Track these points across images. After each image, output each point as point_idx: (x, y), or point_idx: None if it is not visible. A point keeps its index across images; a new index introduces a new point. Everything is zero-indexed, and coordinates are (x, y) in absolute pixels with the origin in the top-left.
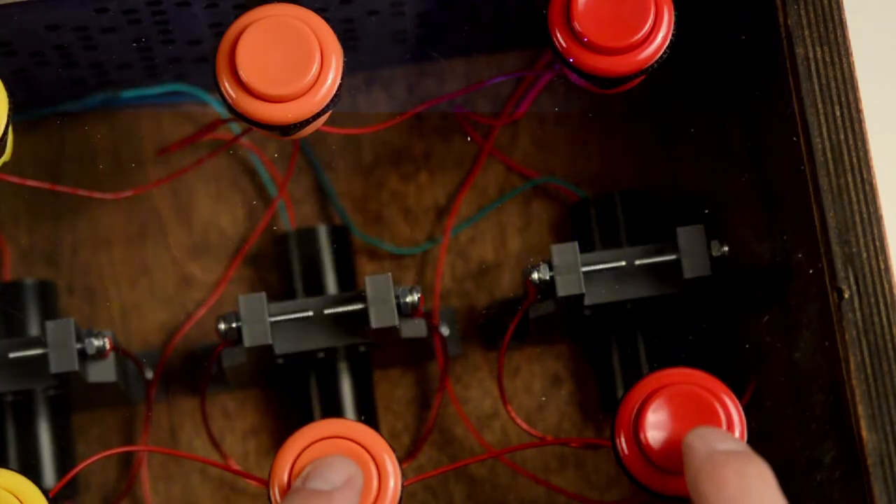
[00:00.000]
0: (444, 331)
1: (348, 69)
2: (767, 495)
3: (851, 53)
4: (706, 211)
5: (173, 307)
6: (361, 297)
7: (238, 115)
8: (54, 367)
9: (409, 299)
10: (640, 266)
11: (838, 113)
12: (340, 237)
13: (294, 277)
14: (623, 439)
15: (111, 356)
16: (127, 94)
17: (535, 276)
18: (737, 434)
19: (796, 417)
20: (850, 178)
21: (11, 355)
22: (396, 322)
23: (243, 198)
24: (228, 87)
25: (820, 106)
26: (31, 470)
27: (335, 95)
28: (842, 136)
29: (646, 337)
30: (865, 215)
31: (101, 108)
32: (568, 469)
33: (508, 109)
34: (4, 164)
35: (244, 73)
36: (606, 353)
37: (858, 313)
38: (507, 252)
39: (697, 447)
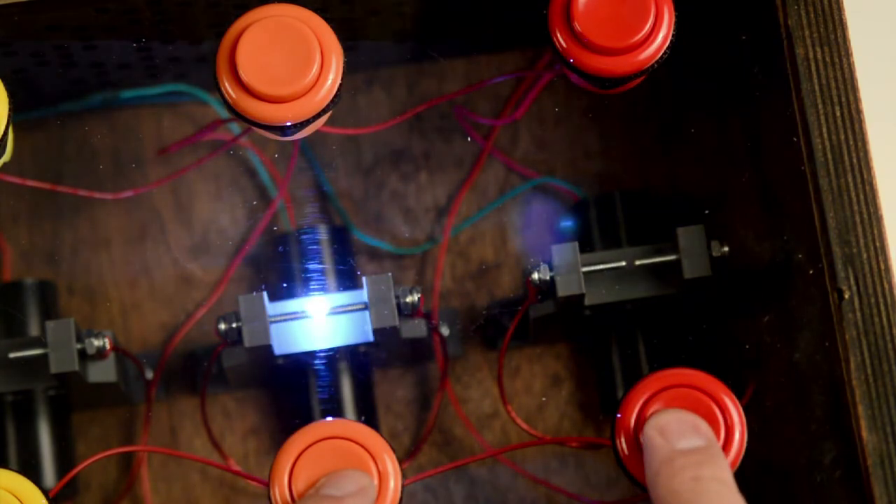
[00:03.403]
0: (444, 331)
1: (348, 69)
2: (723, 499)
3: (851, 53)
4: (706, 211)
5: (173, 307)
6: (361, 298)
7: (238, 115)
8: (54, 367)
9: (409, 299)
10: (640, 266)
11: (838, 113)
12: (340, 237)
13: (294, 277)
14: (623, 439)
15: (111, 356)
16: (127, 94)
17: (535, 276)
18: (737, 435)
19: (796, 417)
20: (850, 179)
21: (11, 355)
22: (396, 322)
23: (243, 198)
24: (228, 87)
25: (820, 106)
26: (31, 470)
27: (335, 95)
28: (842, 136)
29: (646, 337)
30: (865, 215)
31: (101, 108)
32: (568, 469)
33: (508, 109)
34: (4, 164)
35: (244, 73)
36: (606, 353)
37: (858, 314)
38: (507, 252)
39: (658, 444)
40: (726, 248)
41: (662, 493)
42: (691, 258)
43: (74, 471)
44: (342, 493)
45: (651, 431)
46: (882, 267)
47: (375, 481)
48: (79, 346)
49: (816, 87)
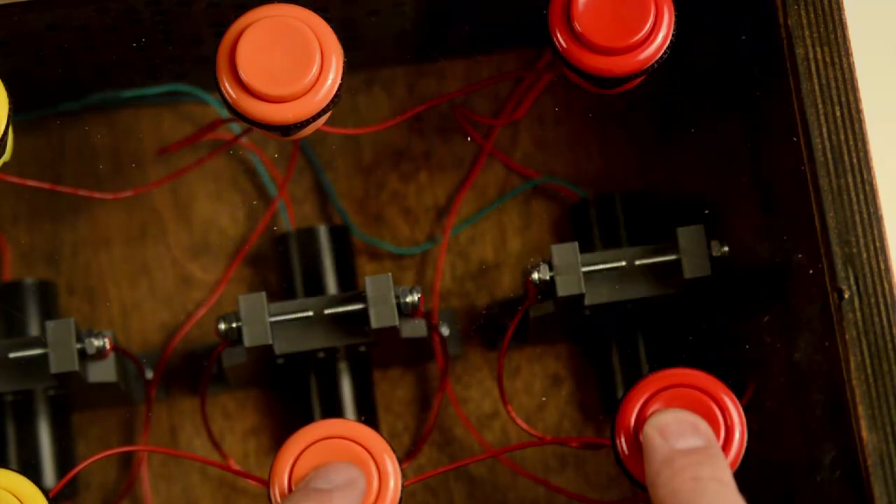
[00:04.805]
0: (444, 331)
1: (348, 69)
2: (723, 499)
3: (851, 53)
4: (706, 211)
5: (173, 307)
6: (361, 297)
7: (238, 115)
8: (54, 367)
9: (409, 299)
10: (640, 266)
11: (838, 113)
12: (340, 237)
13: (294, 277)
14: (623, 439)
15: (111, 356)
16: (127, 94)
17: (535, 276)
18: (737, 435)
19: (796, 417)
20: (850, 179)
21: (11, 355)
22: (396, 322)
23: (243, 198)
24: (228, 87)
25: (820, 106)
26: (31, 470)
27: (335, 95)
28: (842, 136)
29: (646, 337)
30: (865, 215)
31: (101, 108)
32: (568, 469)
33: (508, 109)
34: (4, 164)
35: (244, 73)
36: (606, 353)
37: (858, 313)
38: (507, 252)
39: (657, 444)
40: (726, 248)
41: (662, 494)
42: (691, 258)
43: (74, 471)
44: (331, 485)
45: (650, 431)
46: (882, 267)
47: (375, 482)
48: (79, 346)
49: (816, 87)
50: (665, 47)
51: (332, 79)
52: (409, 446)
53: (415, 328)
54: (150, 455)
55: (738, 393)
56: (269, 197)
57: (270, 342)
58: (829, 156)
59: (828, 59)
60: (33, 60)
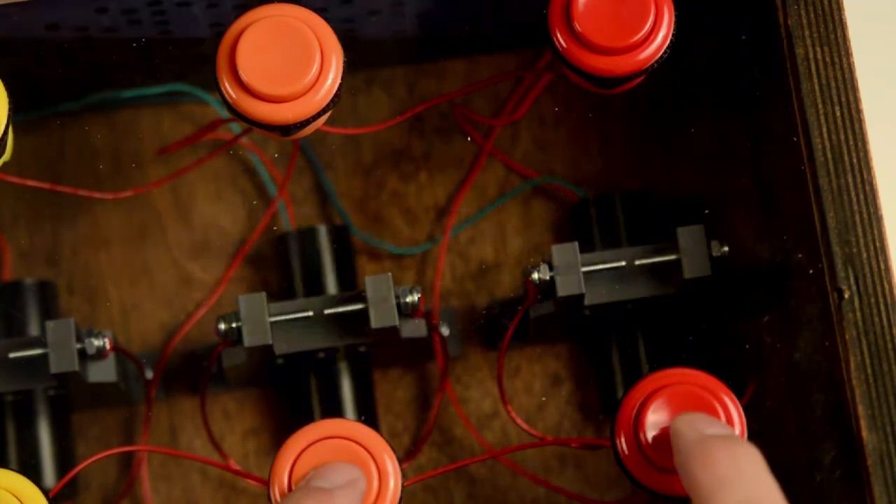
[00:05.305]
0: (444, 331)
1: (348, 69)
2: (759, 476)
3: (851, 53)
4: (706, 211)
5: (173, 307)
6: (361, 297)
7: (238, 115)
8: (54, 367)
9: (409, 299)
10: (640, 266)
11: (838, 113)
12: (340, 237)
13: (294, 277)
14: (623, 439)
15: (111, 356)
16: (127, 94)
17: (535, 276)
18: (737, 434)
19: (796, 417)
20: (850, 178)
21: (11, 355)
22: (396, 322)
23: (243, 198)
24: (228, 87)
25: (820, 106)
26: (31, 470)
27: (335, 95)
28: (842, 136)
29: (646, 337)
30: (865, 215)
31: (101, 108)
32: (568, 469)
33: (508, 109)
34: (4, 164)
35: (244, 73)
36: (606, 353)
37: (858, 313)
38: (507, 252)
39: (686, 432)
40: (726, 248)
41: (697, 471)
42: (691, 258)
43: (74, 471)
44: (332, 485)
45: (679, 425)
46: (882, 267)
47: (375, 482)
48: (79, 346)
49: (816, 87)
50: (665, 47)
51: (332, 79)
52: (409, 446)
53: (415, 328)
54: (150, 455)
55: (738, 393)
56: (269, 197)
57: (270, 342)
58: (829, 156)
59: (828, 59)
60: (33, 60)
